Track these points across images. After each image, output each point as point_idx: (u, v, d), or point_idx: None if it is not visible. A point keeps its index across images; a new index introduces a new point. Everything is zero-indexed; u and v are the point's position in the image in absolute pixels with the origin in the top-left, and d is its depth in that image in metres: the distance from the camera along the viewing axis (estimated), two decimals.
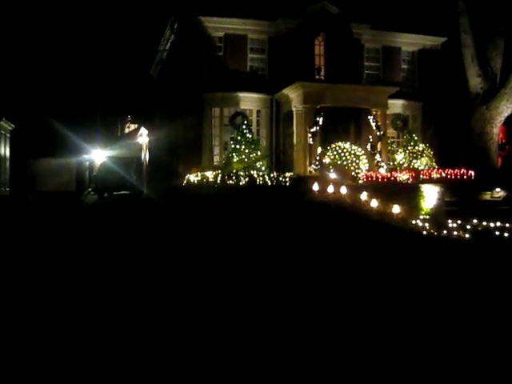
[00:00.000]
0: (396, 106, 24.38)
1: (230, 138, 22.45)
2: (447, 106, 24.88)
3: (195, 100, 22.64)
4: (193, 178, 20.67)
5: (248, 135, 21.35)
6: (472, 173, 17.77)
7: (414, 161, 19.08)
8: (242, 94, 22.65)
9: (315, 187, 15.32)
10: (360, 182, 17.84)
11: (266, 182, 19.49)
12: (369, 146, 21.38)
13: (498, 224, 12.44)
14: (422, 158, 19.12)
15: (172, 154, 23.91)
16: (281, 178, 19.75)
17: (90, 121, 37.57)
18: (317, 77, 23.34)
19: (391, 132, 24.21)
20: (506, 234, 11.90)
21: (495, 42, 17.75)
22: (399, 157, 19.59)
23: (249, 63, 23.50)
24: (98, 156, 34.09)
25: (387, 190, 14.77)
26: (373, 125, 21.57)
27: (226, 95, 22.57)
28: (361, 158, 18.24)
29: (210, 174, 20.20)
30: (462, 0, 17.96)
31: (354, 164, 17.93)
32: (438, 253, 11.21)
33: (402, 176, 18.40)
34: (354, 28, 23.64)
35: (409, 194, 14.51)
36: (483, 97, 17.61)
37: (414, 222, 13.03)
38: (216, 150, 23.01)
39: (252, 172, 20.11)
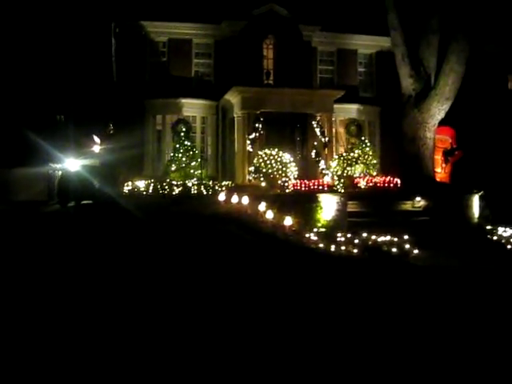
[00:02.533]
0: (351, 111, 23.36)
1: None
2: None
3: (137, 107, 21.94)
4: (127, 188, 19.93)
5: (186, 143, 20.57)
6: (398, 181, 16.68)
7: (349, 168, 18.01)
8: (184, 101, 21.86)
9: (221, 197, 14.46)
10: (287, 190, 16.88)
11: (202, 192, 18.71)
12: (313, 153, 20.38)
13: (389, 238, 11.38)
14: (357, 165, 18.06)
15: (117, 162, 23.22)
16: (216, 187, 18.95)
17: (64, 130, 37.20)
18: (266, 81, 22.48)
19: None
20: (394, 250, 10.85)
21: (428, 39, 16.55)
22: (333, 164, 18.54)
23: (194, 68, 22.74)
24: (71, 165, 33.66)
25: (291, 200, 13.81)
26: (317, 130, 20.56)
27: (168, 102, 21.80)
28: (288, 165, 17.25)
29: (141, 184, 19.48)
30: None
31: (280, 172, 16.95)
32: (314, 270, 10.23)
33: (337, 183, 17.45)
34: (304, 30, 22.72)
35: (310, 204, 13.52)
36: (416, 99, 16.44)
37: (307, 235, 12.06)
38: (158, 159, 22.22)
39: (187, 181, 19.34)
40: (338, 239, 11.36)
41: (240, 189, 18.47)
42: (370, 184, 16.69)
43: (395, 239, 11.29)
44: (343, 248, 11.06)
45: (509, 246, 11.39)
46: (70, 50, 27.34)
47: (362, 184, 16.81)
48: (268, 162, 17.12)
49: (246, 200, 13.71)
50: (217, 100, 22.21)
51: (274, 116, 21.19)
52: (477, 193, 14.72)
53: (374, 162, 21.13)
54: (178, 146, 20.57)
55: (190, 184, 19.11)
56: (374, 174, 18.23)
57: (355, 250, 11.00)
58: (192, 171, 20.41)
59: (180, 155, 20.28)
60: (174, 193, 18.74)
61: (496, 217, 14.61)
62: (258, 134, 20.17)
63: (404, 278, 9.67)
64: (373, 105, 23.79)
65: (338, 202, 13.87)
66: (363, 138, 21.92)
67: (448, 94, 16.10)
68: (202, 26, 22.33)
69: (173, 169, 20.37)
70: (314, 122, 20.71)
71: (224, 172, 22.19)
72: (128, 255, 10.44)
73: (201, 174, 20.52)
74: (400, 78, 16.95)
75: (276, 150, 17.57)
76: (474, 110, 24.79)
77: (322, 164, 19.87)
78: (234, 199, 13.94)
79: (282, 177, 16.95)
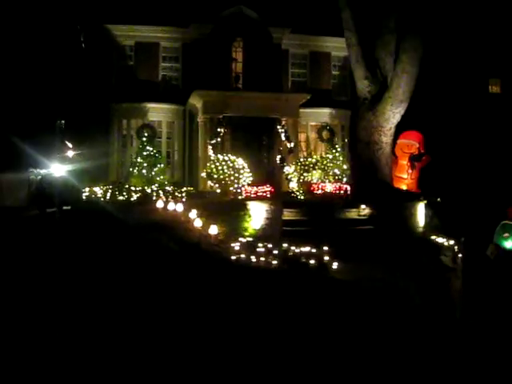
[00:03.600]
0: (323, 115, 22.80)
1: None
2: None
3: (103, 111, 21.63)
4: (84, 194, 19.57)
5: (148, 148, 20.13)
6: (347, 187, 16.04)
7: (306, 174, 17.41)
8: (150, 105, 21.48)
9: (159, 204, 14.03)
10: (240, 197, 16.35)
11: (149, 198, 18.20)
12: (278, 159, 19.83)
13: (309, 249, 10.79)
14: (314, 171, 17.45)
15: (83, 167, 22.91)
16: (177, 194, 18.48)
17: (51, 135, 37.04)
18: (235, 85, 22.01)
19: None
20: (312, 261, 10.28)
21: (384, 39, 15.81)
22: (290, 169, 17.93)
23: (161, 72, 22.36)
24: (55, 170, 33.52)
25: (228, 207, 13.28)
26: (282, 135, 20.03)
27: (134, 106, 21.44)
28: (241, 171, 16.69)
29: (98, 190, 19.08)
30: None
31: (232, 178, 16.42)
32: (223, 282, 9.72)
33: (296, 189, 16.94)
34: (274, 32, 22.21)
35: (238, 212, 12.98)
36: (371, 102, 15.75)
37: (232, 244, 11.55)
38: (124, 164, 21.86)
39: (147, 187, 18.91)
40: (258, 249, 10.80)
41: (199, 195, 18.03)
42: (319, 190, 16.15)
43: (314, 250, 10.70)
44: (263, 259, 10.52)
45: (443, 258, 10.72)
46: (39, 54, 27.10)
47: (320, 190, 16.23)
48: (220, 167, 16.58)
49: (180, 208, 13.26)
50: (184, 104, 21.80)
51: (240, 120, 20.72)
52: (422, 201, 14.02)
53: (345, 167, 20.59)
54: (139, 151, 20.15)
55: (149, 190, 18.66)
56: (345, 179, 17.69)
57: (275, 262, 10.45)
58: (154, 177, 19.96)
59: (141, 160, 19.84)
60: (132, 199, 18.30)
61: (450, 226, 13.88)
62: (219, 139, 19.69)
63: (313, 293, 9.13)
64: (346, 108, 23.18)
65: (267, 210, 13.30)
66: (334, 143, 21.35)
67: (402, 97, 15.42)
68: (170, 29, 21.96)
69: (134, 174, 19.95)
70: (279, 127, 20.19)
71: (190, 178, 21.76)
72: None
73: (165, 179, 20.07)
74: (355, 80, 16.31)
75: (229, 155, 17.03)
76: (452, 114, 24.11)
77: (286, 170, 19.28)
78: (171, 206, 13.50)
79: (234, 183, 16.41)
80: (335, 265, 10.23)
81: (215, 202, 14.05)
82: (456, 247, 11.63)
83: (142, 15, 21.61)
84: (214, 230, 11.67)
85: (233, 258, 10.86)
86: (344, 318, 7.74)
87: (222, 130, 19.73)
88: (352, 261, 10.62)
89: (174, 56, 22.47)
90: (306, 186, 16.94)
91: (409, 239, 11.91)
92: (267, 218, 13.01)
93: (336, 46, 23.53)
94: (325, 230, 12.86)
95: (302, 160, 17.62)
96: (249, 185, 16.17)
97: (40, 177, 30.68)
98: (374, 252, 11.42)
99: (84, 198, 19.38)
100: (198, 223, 12.17)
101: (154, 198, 17.22)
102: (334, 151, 20.22)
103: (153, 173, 19.96)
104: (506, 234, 10.41)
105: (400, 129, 18.01)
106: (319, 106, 22.61)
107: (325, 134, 22.39)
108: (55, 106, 30.06)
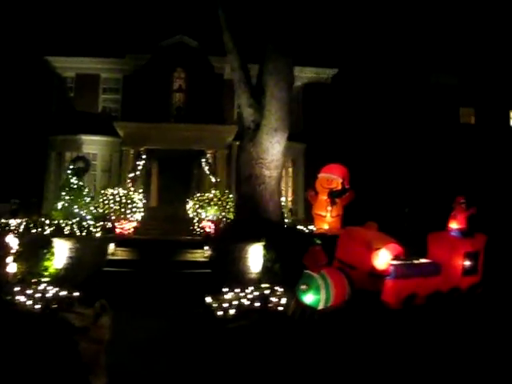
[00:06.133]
0: None
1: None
2: (333, 147, 21.40)
3: (41, 143, 21.35)
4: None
5: (72, 181, 19.50)
6: (212, 225, 14.44)
7: (200, 210, 15.98)
8: (85, 137, 20.94)
9: None
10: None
11: (75, 232, 17.47)
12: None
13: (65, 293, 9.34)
14: (209, 207, 15.99)
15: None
16: (91, 228, 17.65)
17: None
18: (177, 116, 21.14)
19: None
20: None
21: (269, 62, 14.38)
22: (188, 205, 16.56)
23: (101, 104, 21.88)
24: None
25: None
26: (205, 169, 18.84)
27: (69, 138, 20.98)
28: (129, 206, 15.55)
29: (12, 222, 18.56)
30: (223, 10, 14.78)
31: (118, 214, 15.33)
32: None
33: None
34: (216, 62, 21.23)
35: (42, 249, 11.80)
36: (253, 131, 14.24)
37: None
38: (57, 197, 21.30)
39: (63, 220, 18.21)
40: (16, 290, 9.51)
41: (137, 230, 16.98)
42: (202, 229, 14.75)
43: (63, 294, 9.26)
44: (30, 302, 9.27)
45: (232, 311, 8.91)
46: None
47: (212, 229, 14.80)
48: (106, 202, 15.58)
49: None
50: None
51: (169, 153, 19.78)
52: (259, 242, 12.22)
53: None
54: (66, 184, 19.56)
55: (63, 224, 17.93)
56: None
57: (37, 306, 9.18)
58: (77, 210, 19.23)
59: (64, 193, 19.22)
60: (45, 232, 17.61)
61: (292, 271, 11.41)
62: (138, 173, 18.75)
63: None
64: (297, 141, 21.64)
65: (71, 248, 12.06)
66: None
67: (275, 125, 13.81)
68: (109, 60, 21.53)
69: (59, 207, 19.33)
70: (203, 160, 19.02)
71: None
72: None
73: (88, 213, 19.28)
74: (241, 108, 14.88)
75: (120, 189, 15.98)
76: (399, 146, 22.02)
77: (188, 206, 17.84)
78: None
79: (121, 218, 15.31)
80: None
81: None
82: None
83: (83, 47, 21.35)
84: (12, 267, 10.60)
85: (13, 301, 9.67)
86: None
87: (141, 163, 18.80)
88: (125, 310, 9.18)
89: (115, 87, 21.96)
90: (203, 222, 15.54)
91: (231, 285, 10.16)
92: (70, 257, 11.80)
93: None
94: (157, 271, 11.47)
95: (198, 195, 16.24)
96: (125, 220, 15.05)
97: None
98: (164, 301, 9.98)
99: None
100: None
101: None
102: None
103: (74, 207, 19.27)
104: (304, 287, 8.66)
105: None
106: None
107: None
108: None
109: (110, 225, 14.94)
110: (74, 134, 20.96)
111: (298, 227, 16.61)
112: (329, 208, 16.72)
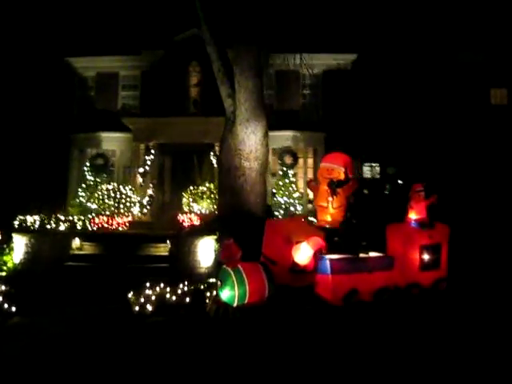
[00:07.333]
0: (286, 138, 20.76)
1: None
2: (354, 135, 20.44)
3: (64, 142, 21.91)
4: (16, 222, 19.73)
5: (88, 177, 19.92)
6: (184, 218, 13.93)
7: (192, 204, 15.62)
8: (104, 135, 21.26)
9: None
10: (121, 229, 15.28)
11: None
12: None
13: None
14: (201, 201, 15.59)
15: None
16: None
17: None
18: (194, 110, 21.01)
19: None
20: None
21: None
22: (184, 199, 16.24)
23: (121, 101, 22.10)
24: None
25: None
26: (214, 162, 18.56)
27: (89, 136, 21.38)
28: (123, 201, 15.56)
29: (29, 219, 19.17)
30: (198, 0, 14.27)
31: (112, 209, 15.39)
32: None
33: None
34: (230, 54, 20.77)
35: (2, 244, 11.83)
36: (232, 122, 13.67)
37: None
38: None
39: (76, 216, 18.61)
40: None
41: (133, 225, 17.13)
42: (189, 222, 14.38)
43: None
44: None
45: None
46: None
47: (197, 222, 14.47)
48: (101, 197, 15.68)
49: None
50: None
51: (180, 147, 19.67)
52: (209, 235, 11.60)
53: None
54: (83, 180, 20.02)
55: (76, 219, 18.33)
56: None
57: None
58: (94, 206, 19.59)
59: (81, 190, 19.66)
60: (60, 228, 18.06)
61: None
62: (147, 168, 18.79)
63: None
64: (317, 130, 20.88)
65: (26, 244, 12.00)
66: (285, 169, 19.45)
67: (246, 115, 13.13)
68: (127, 57, 21.70)
69: (75, 203, 19.79)
70: (211, 153, 18.74)
71: None
72: None
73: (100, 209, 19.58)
74: (222, 99, 14.39)
75: (115, 183, 16.03)
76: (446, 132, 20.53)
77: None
78: None
79: (115, 213, 15.35)
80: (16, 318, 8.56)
81: None
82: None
83: (101, 46, 21.67)
84: None
85: None
86: None
87: (150, 158, 18.80)
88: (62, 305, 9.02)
89: (134, 84, 22.13)
90: (197, 216, 15.24)
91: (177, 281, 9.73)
92: (27, 253, 11.80)
93: (306, 64, 21.33)
94: (118, 266, 11.31)
95: (191, 189, 15.95)
96: (119, 214, 15.05)
97: None
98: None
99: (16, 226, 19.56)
100: None
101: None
102: (285, 177, 18.53)
103: (89, 202, 19.63)
104: (219, 283, 8.16)
105: None
106: (283, 128, 20.60)
107: (286, 158, 20.53)
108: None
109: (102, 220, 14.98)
110: (95, 131, 21.33)
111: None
112: (330, 199, 15.85)
